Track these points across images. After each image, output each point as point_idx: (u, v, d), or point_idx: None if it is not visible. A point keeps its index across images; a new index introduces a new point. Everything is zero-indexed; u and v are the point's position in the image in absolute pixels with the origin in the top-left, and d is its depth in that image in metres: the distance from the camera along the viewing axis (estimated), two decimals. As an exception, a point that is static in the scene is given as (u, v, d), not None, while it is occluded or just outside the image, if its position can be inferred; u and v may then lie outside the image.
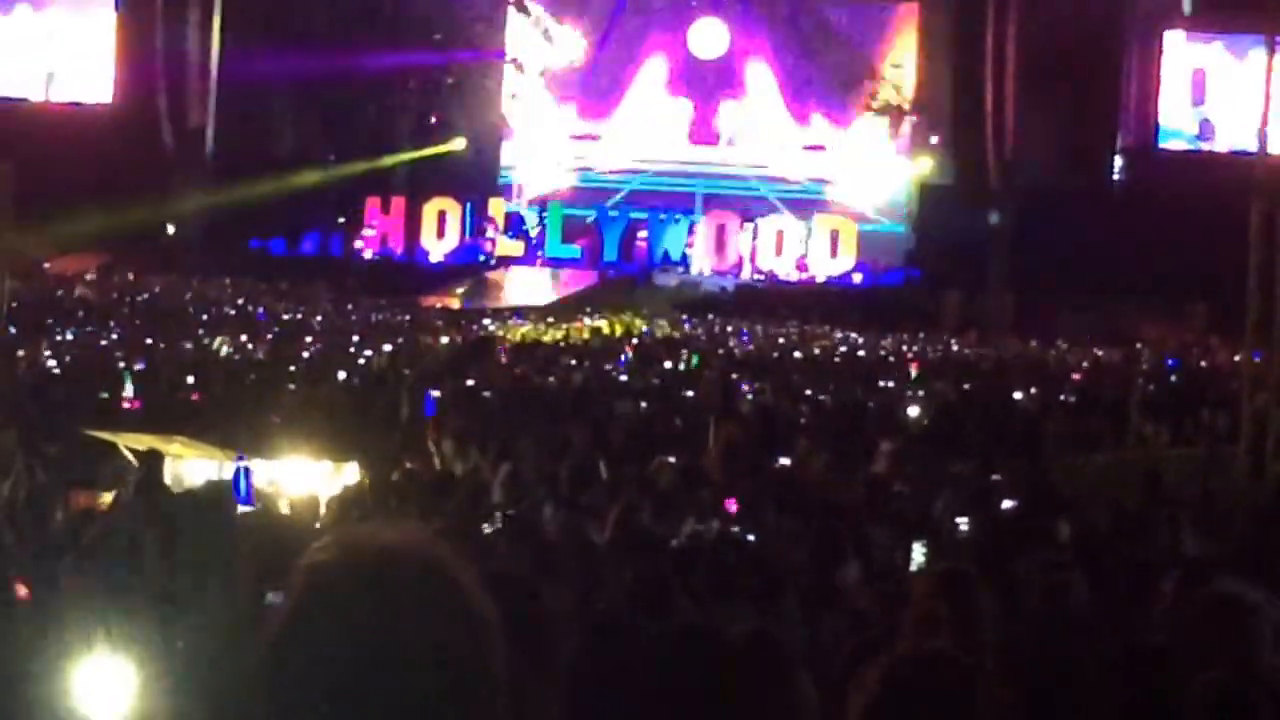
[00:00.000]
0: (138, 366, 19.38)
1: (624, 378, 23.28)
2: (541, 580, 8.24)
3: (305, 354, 24.60)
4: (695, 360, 25.45)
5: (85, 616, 6.00)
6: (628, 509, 10.21)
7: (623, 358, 27.54)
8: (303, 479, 12.16)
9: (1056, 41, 42.19)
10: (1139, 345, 33.64)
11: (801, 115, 50.46)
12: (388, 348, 26.22)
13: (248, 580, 5.80)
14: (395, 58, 47.63)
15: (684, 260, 48.47)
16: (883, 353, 32.05)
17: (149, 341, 24.81)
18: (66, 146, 43.91)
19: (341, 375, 20.69)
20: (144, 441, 12.50)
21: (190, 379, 19.60)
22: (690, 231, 48.86)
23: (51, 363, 21.01)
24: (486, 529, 10.12)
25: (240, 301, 37.08)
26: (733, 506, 11.13)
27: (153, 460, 11.83)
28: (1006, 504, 11.85)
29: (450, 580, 2.61)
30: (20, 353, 21.26)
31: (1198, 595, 5.71)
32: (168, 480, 11.81)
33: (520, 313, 40.16)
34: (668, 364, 25.44)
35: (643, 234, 49.04)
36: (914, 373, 24.55)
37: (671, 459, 13.06)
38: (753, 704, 3.87)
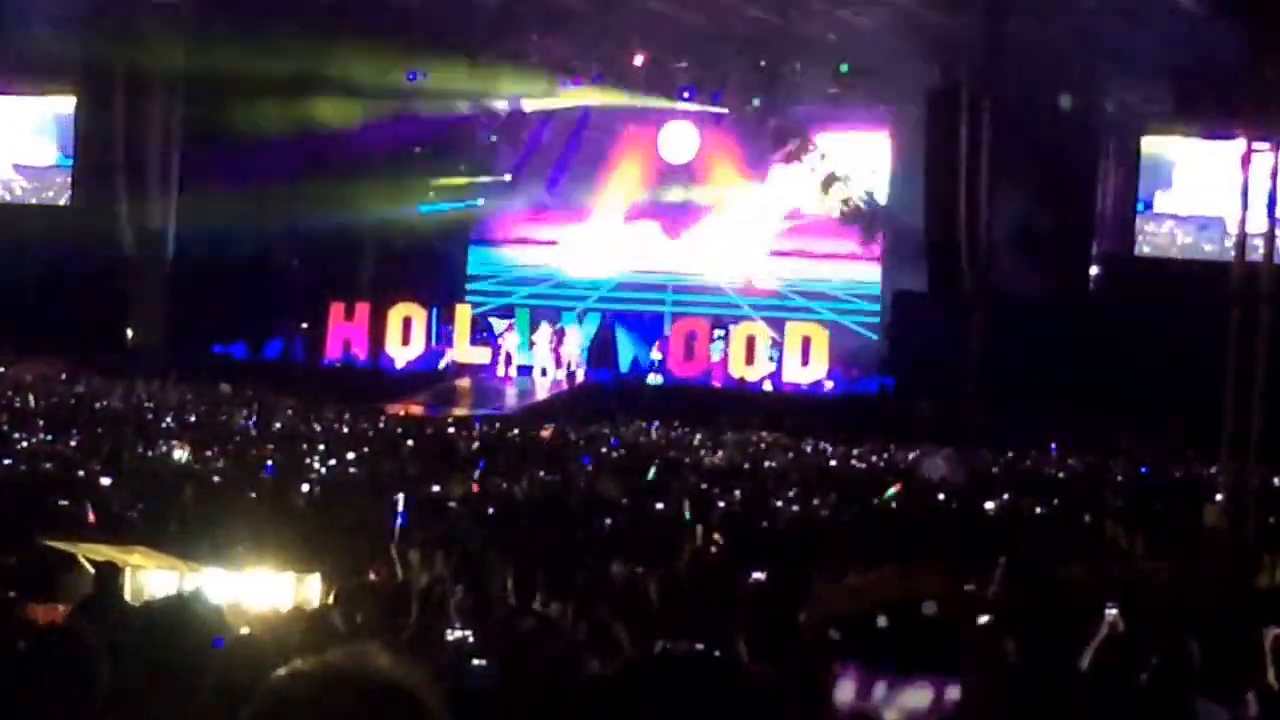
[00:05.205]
0: (104, 481, 19.11)
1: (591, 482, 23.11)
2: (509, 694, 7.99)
3: (268, 462, 24.33)
4: (653, 473, 25.16)
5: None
6: (600, 622, 10.04)
7: (587, 457, 27.39)
8: (265, 591, 11.91)
9: (1031, 147, 42.24)
10: (1109, 459, 33.42)
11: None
12: (351, 455, 26.01)
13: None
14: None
15: (654, 367, 48.22)
16: (854, 462, 31.84)
17: (106, 449, 24.51)
18: (23, 247, 43.83)
19: (305, 486, 20.42)
20: (103, 553, 12.24)
21: (151, 488, 19.33)
22: (661, 337, 48.77)
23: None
24: (450, 638, 9.96)
25: (202, 408, 36.74)
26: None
27: (108, 572, 11.59)
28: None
29: (414, 701, 2.59)
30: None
31: None
32: (127, 593, 11.58)
33: (485, 420, 39.95)
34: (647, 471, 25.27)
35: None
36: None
37: (640, 569, 12.87)
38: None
